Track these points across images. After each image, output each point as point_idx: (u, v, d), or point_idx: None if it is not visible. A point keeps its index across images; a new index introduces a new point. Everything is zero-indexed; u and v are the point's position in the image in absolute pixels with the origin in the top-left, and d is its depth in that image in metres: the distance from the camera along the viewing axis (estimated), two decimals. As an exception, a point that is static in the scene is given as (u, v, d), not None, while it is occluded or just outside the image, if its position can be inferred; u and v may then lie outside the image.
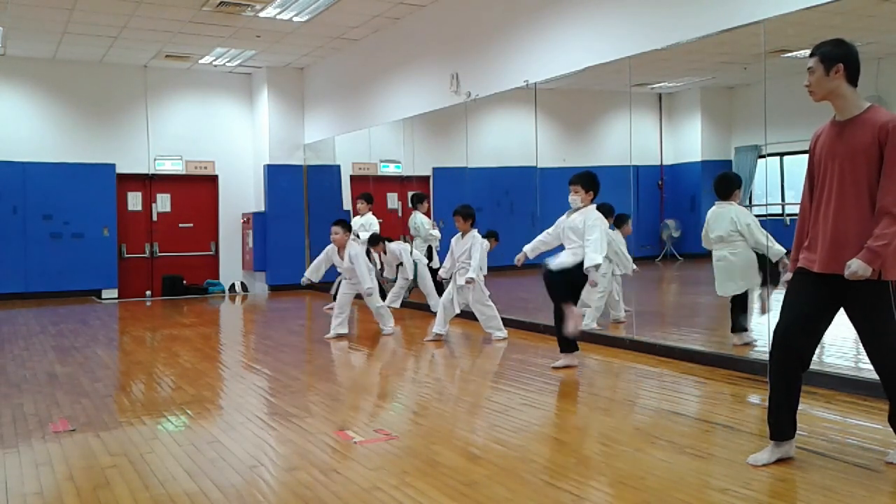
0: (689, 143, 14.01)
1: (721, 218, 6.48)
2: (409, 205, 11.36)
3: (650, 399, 5.34)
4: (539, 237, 6.50)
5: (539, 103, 9.01)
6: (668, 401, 5.20)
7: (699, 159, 13.58)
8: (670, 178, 14.24)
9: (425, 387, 6.07)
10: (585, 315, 7.75)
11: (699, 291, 7.05)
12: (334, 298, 10.77)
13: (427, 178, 13.96)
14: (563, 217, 6.29)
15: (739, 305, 6.54)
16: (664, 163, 14.50)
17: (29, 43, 11.61)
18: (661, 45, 6.85)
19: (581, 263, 5.96)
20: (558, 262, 6.11)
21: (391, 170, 13.98)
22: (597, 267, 5.92)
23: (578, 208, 6.14)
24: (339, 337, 8.17)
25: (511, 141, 12.67)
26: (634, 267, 8.06)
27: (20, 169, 12.50)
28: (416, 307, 10.26)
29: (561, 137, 13.90)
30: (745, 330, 6.59)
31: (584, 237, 5.97)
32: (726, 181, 6.63)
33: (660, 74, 12.19)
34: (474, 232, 7.69)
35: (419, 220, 10.63)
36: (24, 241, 12.54)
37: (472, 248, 7.57)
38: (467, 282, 7.48)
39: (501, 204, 12.82)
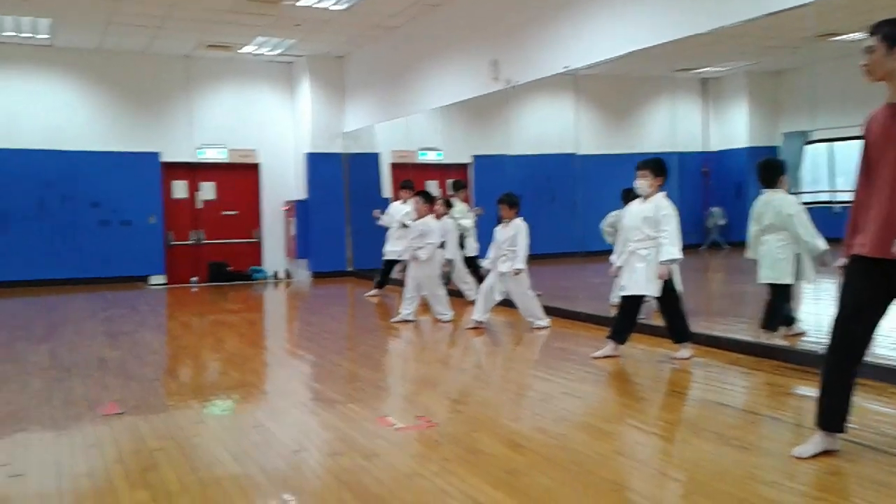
0: (734, 128, 13.74)
1: (769, 206, 6.34)
2: (449, 192, 11.33)
3: (694, 389, 5.27)
4: (617, 245, 6.31)
5: (580, 89, 8.92)
6: (714, 391, 5.13)
7: (745, 145, 13.33)
8: (715, 164, 14.00)
9: (466, 374, 6.09)
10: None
11: (746, 280, 6.91)
12: (377, 286, 10.90)
13: (467, 165, 13.95)
14: (634, 204, 6.12)
15: (781, 296, 6.39)
16: (709, 149, 14.26)
17: (76, 34, 11.85)
18: (705, 29, 6.71)
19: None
20: (651, 287, 5.92)
21: (431, 157, 13.98)
22: (672, 261, 5.79)
23: (646, 196, 5.98)
24: (405, 322, 8.17)
25: (551, 128, 12.58)
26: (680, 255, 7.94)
27: (69, 158, 12.78)
28: (450, 295, 10.25)
29: (602, 124, 13.75)
30: (792, 322, 6.45)
31: (660, 227, 5.82)
32: (770, 167, 6.47)
33: (704, 59, 11.96)
34: (518, 220, 7.64)
35: (455, 206, 10.61)
36: (74, 229, 12.85)
37: (517, 237, 7.52)
38: (515, 273, 7.44)
39: (542, 192, 12.74)
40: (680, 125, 13.88)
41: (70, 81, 12.90)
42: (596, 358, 6.09)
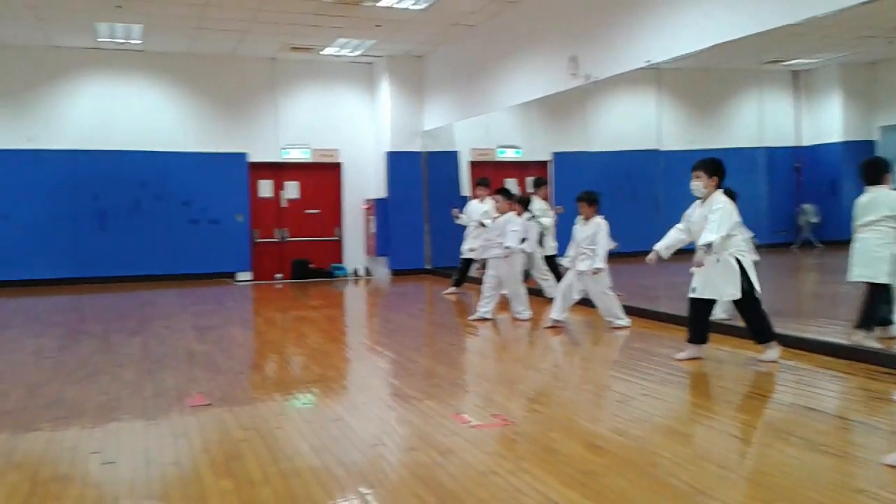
0: (828, 122, 13.18)
1: (874, 203, 6.06)
2: (529, 189, 11.26)
3: (782, 393, 5.09)
4: (670, 233, 6.15)
5: (662, 84, 8.74)
6: (802, 395, 4.94)
7: (840, 140, 12.76)
8: (808, 160, 13.46)
9: (543, 374, 6.04)
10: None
11: (839, 280, 6.61)
12: (455, 284, 10.94)
13: (546, 162, 13.84)
14: (689, 210, 6.00)
15: (878, 296, 6.09)
16: (801, 144, 13.72)
17: (166, 38, 12.34)
18: (796, 20, 6.44)
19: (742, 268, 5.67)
20: (731, 290, 5.77)
21: (509, 155, 13.94)
22: (708, 246, 5.61)
23: (703, 197, 5.84)
24: (483, 321, 8.19)
25: (632, 124, 12.34)
26: (755, 257, 7.64)
27: (162, 158, 13.33)
28: (530, 292, 10.19)
29: (686, 119, 13.40)
30: (888, 324, 6.14)
31: (708, 218, 5.68)
32: (875, 165, 6.22)
33: (794, 50, 11.51)
34: (598, 218, 7.54)
35: (536, 204, 10.52)
36: (166, 227, 13.39)
37: (596, 235, 7.42)
38: (594, 272, 7.35)
39: (623, 189, 12.52)
40: (769, 119, 13.40)
41: (161, 85, 13.44)
42: (679, 360, 5.94)
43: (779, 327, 6.70)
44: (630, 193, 12.54)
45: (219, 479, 3.57)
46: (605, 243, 7.37)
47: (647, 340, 6.93)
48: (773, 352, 5.81)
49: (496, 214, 8.45)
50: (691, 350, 5.96)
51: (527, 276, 10.35)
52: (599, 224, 7.47)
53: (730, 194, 6.61)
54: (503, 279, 8.20)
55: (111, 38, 12.03)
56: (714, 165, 5.85)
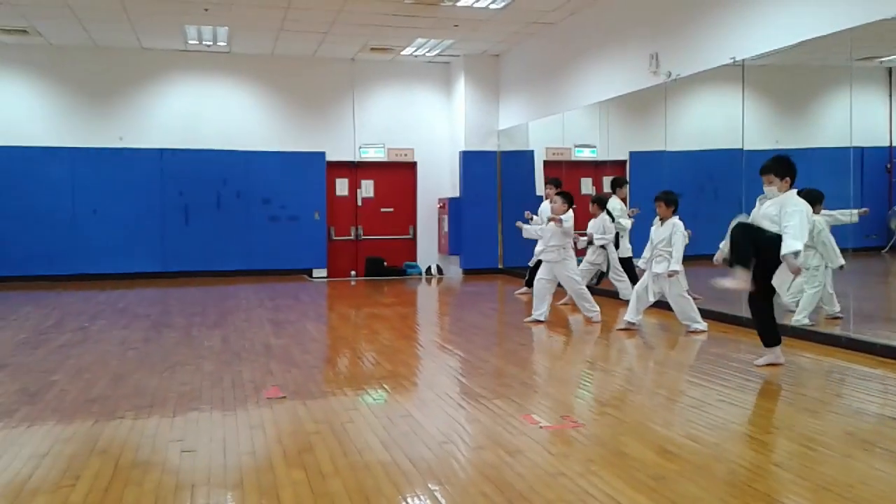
0: (924, 121, 12.51)
1: None
2: (607, 189, 11.10)
3: (866, 402, 4.86)
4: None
5: (747, 81, 8.46)
6: (890, 406, 4.71)
7: (936, 140, 12.11)
8: (903, 161, 12.81)
9: (615, 376, 5.95)
10: (797, 310, 7.22)
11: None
12: (527, 284, 10.88)
13: (623, 162, 13.60)
14: (756, 206, 5.80)
15: None
16: (894, 144, 13.07)
17: (251, 41, 12.69)
18: (891, 14, 6.15)
19: (777, 245, 5.42)
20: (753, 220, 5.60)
21: (585, 154, 13.76)
22: (795, 254, 5.38)
23: (774, 197, 5.63)
24: (536, 323, 8.16)
25: (715, 122, 11.99)
26: (842, 261, 7.33)
27: (243, 157, 13.73)
28: (605, 294, 10.05)
29: (772, 117, 12.94)
30: None
31: (782, 224, 5.43)
32: None
33: (890, 46, 10.96)
34: (675, 219, 7.38)
35: (613, 204, 10.36)
36: (247, 224, 13.79)
37: (672, 237, 7.27)
38: (669, 274, 7.20)
39: (705, 189, 12.18)
40: (860, 118, 12.80)
41: (245, 85, 13.84)
42: (759, 366, 5.76)
43: (867, 334, 6.43)
44: (711, 194, 12.20)
45: (291, 470, 3.65)
46: (681, 245, 7.20)
47: (724, 345, 6.74)
48: (770, 357, 5.71)
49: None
50: (770, 355, 5.77)
51: (601, 277, 10.21)
52: (675, 225, 7.31)
53: (816, 196, 6.37)
54: (562, 282, 8.12)
55: (199, 40, 12.45)
56: (784, 165, 5.61)
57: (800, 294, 7.31)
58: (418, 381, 5.77)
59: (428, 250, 14.84)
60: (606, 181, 12.25)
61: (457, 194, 14.26)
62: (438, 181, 14.71)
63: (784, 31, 7.33)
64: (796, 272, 5.47)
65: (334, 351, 7.24)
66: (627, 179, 10.75)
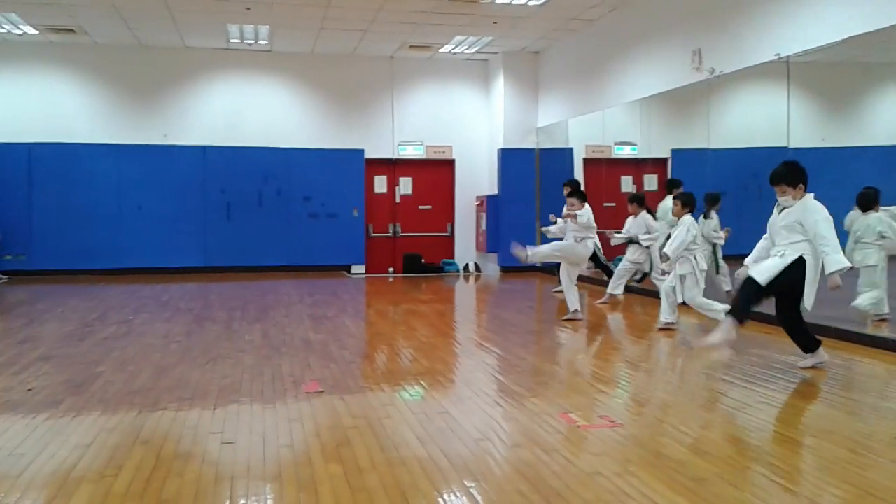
0: (977, 118, 12.13)
1: None
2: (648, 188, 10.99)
3: (915, 407, 4.74)
4: (759, 244, 5.80)
5: (792, 78, 8.30)
6: (938, 411, 4.59)
7: None
8: (955, 158, 12.45)
9: (654, 376, 5.88)
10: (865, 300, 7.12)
11: None
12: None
13: (664, 160, 13.44)
14: (774, 214, 5.60)
15: None
16: (945, 141, 12.70)
17: (291, 39, 12.81)
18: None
19: (794, 264, 5.27)
20: (764, 271, 5.37)
21: (626, 152, 13.63)
22: (843, 270, 5.21)
23: (790, 206, 5.45)
24: (573, 321, 8.10)
25: (759, 119, 11.77)
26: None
27: (284, 154, 13.88)
28: (646, 294, 9.95)
29: (818, 115, 12.67)
30: None
31: (814, 235, 5.24)
32: None
33: (943, 40, 10.66)
34: (686, 216, 7.32)
35: (668, 205, 10.08)
36: (287, 220, 13.94)
37: (679, 231, 7.25)
38: (662, 259, 7.28)
39: (748, 188, 11.97)
40: (913, 115, 12.48)
41: (285, 84, 13.98)
42: (802, 368, 5.65)
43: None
44: (755, 192, 11.97)
45: (328, 464, 3.68)
46: (679, 238, 7.15)
47: (766, 346, 6.62)
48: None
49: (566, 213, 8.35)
50: (811, 358, 5.65)
51: (644, 276, 10.11)
52: (682, 221, 7.25)
53: (872, 196, 6.23)
54: (569, 258, 8.07)
55: (240, 39, 12.61)
56: (795, 172, 5.42)
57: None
58: (455, 377, 5.78)
59: (465, 248, 14.84)
60: (648, 179, 12.13)
61: (495, 192, 14.23)
62: (476, 178, 14.70)
63: (830, 27, 7.17)
64: (836, 288, 5.28)
65: (372, 347, 7.28)
66: (680, 182, 10.52)
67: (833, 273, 5.20)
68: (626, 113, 12.52)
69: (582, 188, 9.34)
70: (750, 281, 5.41)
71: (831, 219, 5.31)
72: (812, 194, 5.43)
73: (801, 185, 5.42)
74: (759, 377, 5.47)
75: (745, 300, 5.43)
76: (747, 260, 5.84)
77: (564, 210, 8.05)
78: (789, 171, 5.43)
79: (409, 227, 14.73)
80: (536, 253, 8.15)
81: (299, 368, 5.88)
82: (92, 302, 9.87)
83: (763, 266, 5.43)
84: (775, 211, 5.58)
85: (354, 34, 12.36)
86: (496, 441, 4.09)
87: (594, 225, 8.05)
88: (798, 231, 5.33)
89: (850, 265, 5.29)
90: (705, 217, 9.06)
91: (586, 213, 7.90)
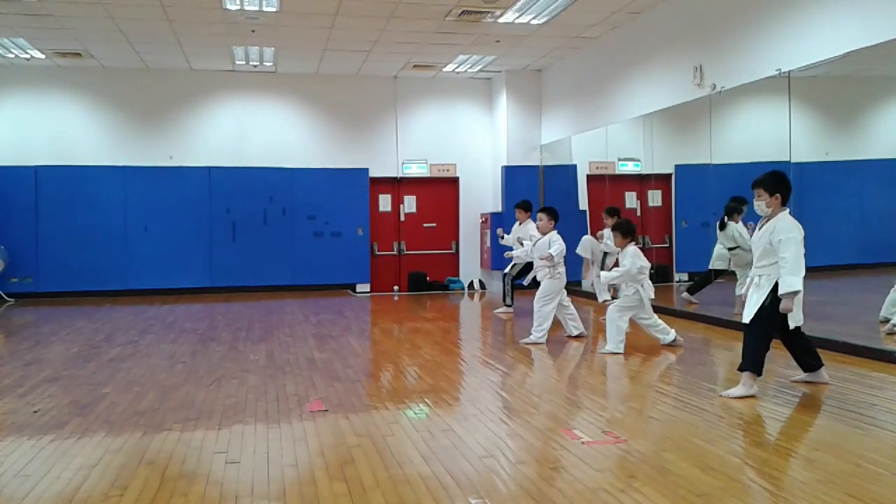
0: (981, 131, 12.13)
1: None
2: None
3: (922, 421, 4.72)
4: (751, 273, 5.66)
5: (794, 93, 8.33)
6: (945, 424, 4.56)
7: None
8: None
9: (658, 392, 5.87)
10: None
11: None
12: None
13: (668, 176, 13.47)
14: (755, 232, 5.52)
15: None
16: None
17: (296, 61, 12.93)
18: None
19: (773, 291, 5.17)
20: (749, 312, 5.32)
21: (629, 168, 13.67)
22: (794, 294, 5.10)
23: (767, 218, 5.36)
24: (578, 338, 8.14)
25: (762, 134, 11.81)
26: None
27: (289, 174, 13.96)
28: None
29: (821, 129, 12.70)
30: None
31: (779, 254, 5.15)
32: None
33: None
34: (630, 247, 7.34)
35: (740, 230, 9.53)
36: (292, 239, 14.00)
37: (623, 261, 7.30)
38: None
39: (749, 202, 12.00)
40: (916, 128, 12.49)
41: (290, 104, 14.09)
42: (795, 382, 5.65)
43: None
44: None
45: (333, 482, 3.68)
46: (623, 271, 7.18)
47: (771, 361, 6.58)
48: (742, 389, 5.36)
49: (538, 234, 8.38)
50: (811, 376, 5.64)
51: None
52: (626, 252, 7.28)
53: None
54: (538, 294, 8.03)
55: (246, 60, 12.73)
56: (776, 180, 5.30)
57: None
58: (460, 395, 5.78)
59: (470, 265, 14.86)
60: (652, 195, 12.15)
61: (499, 209, 14.26)
62: (481, 196, 14.75)
63: (830, 42, 7.21)
64: (788, 310, 5.17)
65: (376, 365, 7.28)
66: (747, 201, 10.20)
67: (784, 295, 5.11)
68: (629, 129, 12.58)
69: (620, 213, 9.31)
70: (745, 328, 5.40)
71: (800, 239, 5.17)
72: (787, 210, 5.33)
73: (777, 195, 5.30)
74: (762, 392, 5.45)
75: (752, 351, 5.36)
76: (742, 291, 5.79)
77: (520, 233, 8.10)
78: (770, 178, 5.34)
79: (414, 246, 14.77)
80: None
81: (304, 388, 5.89)
82: (98, 323, 9.91)
83: (747, 306, 5.40)
84: (758, 228, 5.49)
85: (358, 55, 12.46)
86: (500, 458, 4.09)
87: (562, 258, 8.04)
88: (770, 253, 5.23)
89: (800, 289, 5.12)
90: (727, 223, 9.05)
91: (558, 251, 7.90)
